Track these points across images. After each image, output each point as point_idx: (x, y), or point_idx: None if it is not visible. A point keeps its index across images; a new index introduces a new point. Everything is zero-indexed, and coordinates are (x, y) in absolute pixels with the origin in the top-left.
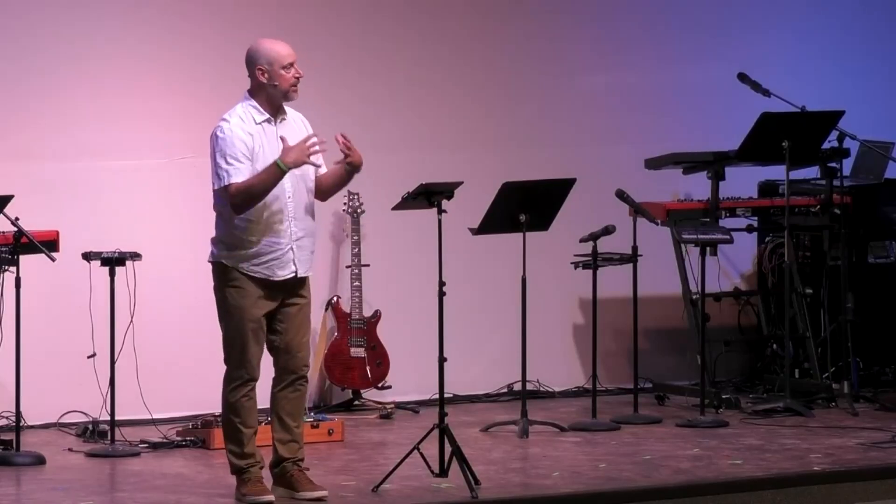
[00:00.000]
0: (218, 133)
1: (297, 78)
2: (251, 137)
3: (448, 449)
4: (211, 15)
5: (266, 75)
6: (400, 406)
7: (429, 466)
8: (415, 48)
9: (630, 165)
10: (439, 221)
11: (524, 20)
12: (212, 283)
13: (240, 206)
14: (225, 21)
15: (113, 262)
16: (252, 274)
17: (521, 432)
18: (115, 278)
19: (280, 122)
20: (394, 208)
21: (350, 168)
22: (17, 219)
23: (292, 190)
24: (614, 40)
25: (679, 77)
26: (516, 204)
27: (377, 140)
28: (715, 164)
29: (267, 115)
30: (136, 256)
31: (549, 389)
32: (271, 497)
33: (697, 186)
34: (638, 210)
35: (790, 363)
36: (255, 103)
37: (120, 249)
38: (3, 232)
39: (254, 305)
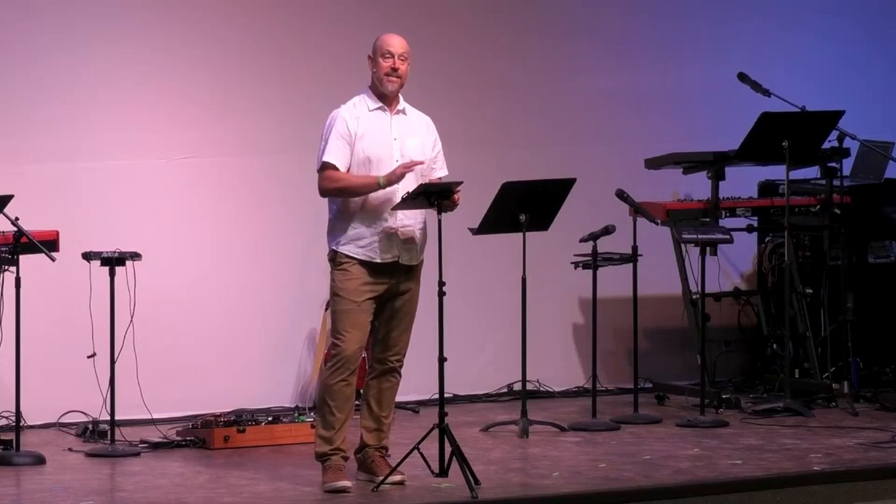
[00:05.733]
0: (328, 119)
1: (392, 69)
2: (356, 121)
3: (448, 449)
4: (210, 17)
5: (371, 62)
6: (400, 406)
7: (429, 466)
8: (414, 49)
9: (630, 165)
10: (439, 221)
11: (524, 20)
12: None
13: (325, 190)
14: (224, 23)
15: (113, 262)
16: (356, 255)
17: (521, 432)
18: (115, 278)
19: (396, 114)
20: (394, 208)
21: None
22: (17, 219)
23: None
24: (614, 40)
25: (679, 77)
26: (516, 204)
27: None
28: (715, 164)
29: (380, 104)
30: (136, 256)
31: (549, 389)
32: (347, 483)
33: (697, 186)
34: (638, 210)
35: (790, 363)
36: (369, 93)
37: (120, 249)
38: (3, 232)
39: (356, 289)
